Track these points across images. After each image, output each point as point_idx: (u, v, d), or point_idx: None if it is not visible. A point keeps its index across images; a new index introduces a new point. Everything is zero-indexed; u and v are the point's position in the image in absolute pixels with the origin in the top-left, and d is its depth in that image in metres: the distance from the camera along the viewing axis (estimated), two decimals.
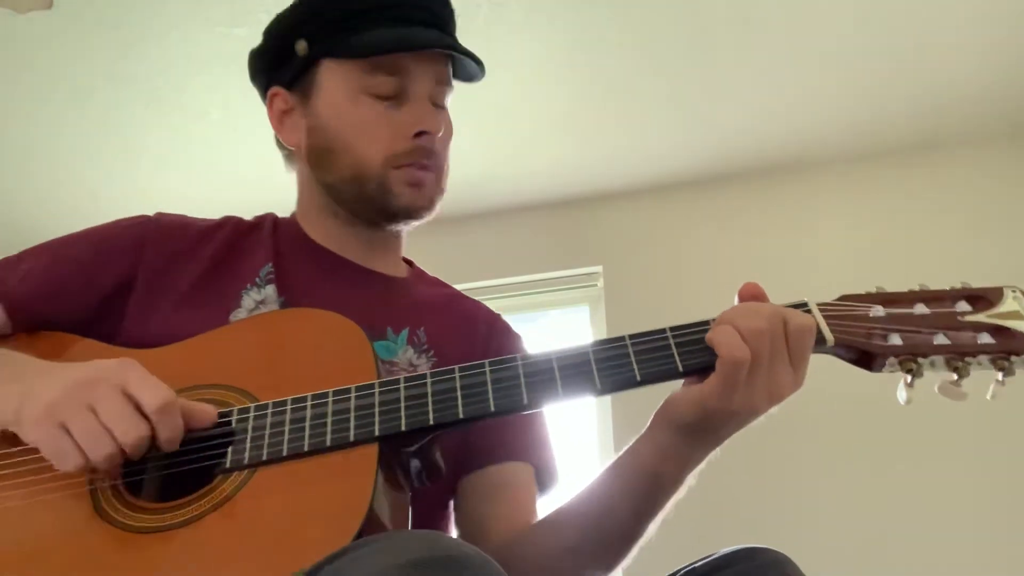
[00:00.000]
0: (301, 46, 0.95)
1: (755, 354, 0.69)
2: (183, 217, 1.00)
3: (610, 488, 0.81)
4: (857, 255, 2.60)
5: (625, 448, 0.81)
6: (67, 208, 2.84)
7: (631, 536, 0.82)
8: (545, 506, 0.95)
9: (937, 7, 2.10)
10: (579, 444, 2.64)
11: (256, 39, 1.02)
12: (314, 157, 0.97)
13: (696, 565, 0.75)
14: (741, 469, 2.31)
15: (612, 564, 0.84)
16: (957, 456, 2.31)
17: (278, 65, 0.99)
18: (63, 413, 0.70)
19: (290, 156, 1.04)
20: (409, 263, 1.09)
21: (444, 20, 0.97)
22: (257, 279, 0.94)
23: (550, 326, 3.02)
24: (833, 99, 2.45)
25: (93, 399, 0.70)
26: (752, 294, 0.76)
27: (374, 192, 0.93)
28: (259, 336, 0.85)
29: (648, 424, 0.78)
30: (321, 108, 0.95)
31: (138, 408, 0.71)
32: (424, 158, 0.93)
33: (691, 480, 0.79)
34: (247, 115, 2.42)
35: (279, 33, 0.99)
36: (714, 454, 0.77)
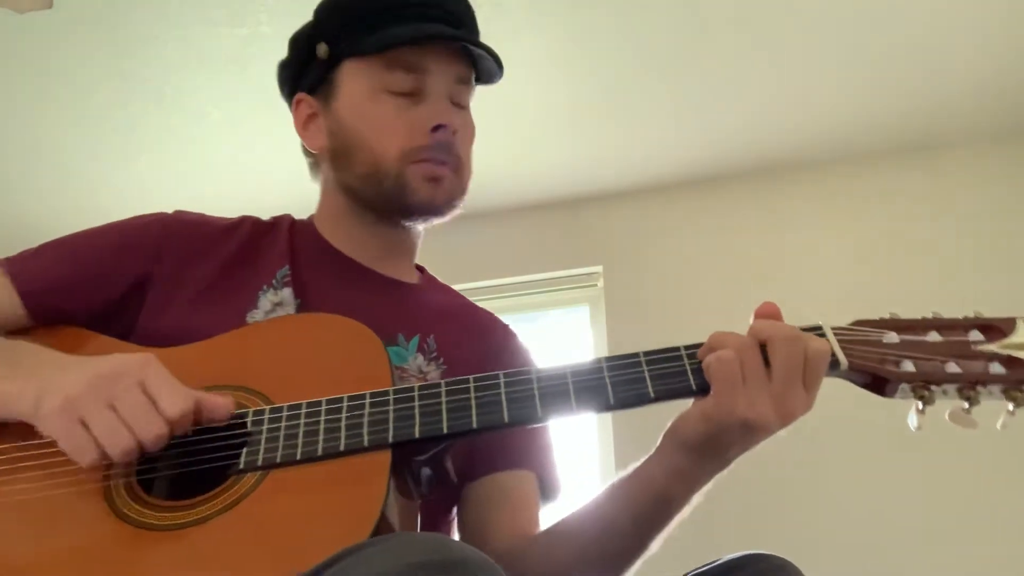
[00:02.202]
0: (322, 49, 0.97)
1: (751, 376, 0.71)
2: (202, 215, 1.01)
3: (617, 505, 0.81)
4: (857, 255, 2.60)
5: (633, 465, 0.81)
6: (68, 207, 2.84)
7: (634, 551, 0.82)
8: (547, 516, 0.95)
9: (936, 7, 2.10)
10: (581, 456, 2.62)
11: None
12: (334, 158, 0.98)
13: (701, 571, 0.76)
14: (746, 475, 2.30)
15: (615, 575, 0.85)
16: (961, 462, 2.30)
17: (302, 72, 1.00)
18: (82, 407, 0.71)
19: (315, 163, 1.04)
20: (421, 269, 1.10)
21: (462, 19, 0.97)
22: (274, 280, 0.95)
23: (550, 326, 3.02)
24: (832, 99, 2.45)
25: (113, 395, 0.71)
26: (768, 313, 0.77)
27: (391, 188, 0.93)
28: (276, 339, 0.86)
29: (658, 444, 0.78)
30: (341, 108, 0.96)
31: (156, 406, 0.71)
32: (441, 153, 0.93)
33: (697, 499, 0.79)
34: (247, 115, 2.42)
35: (301, 39, 1.00)
36: (721, 475, 0.77)
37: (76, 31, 2.13)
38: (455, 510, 0.97)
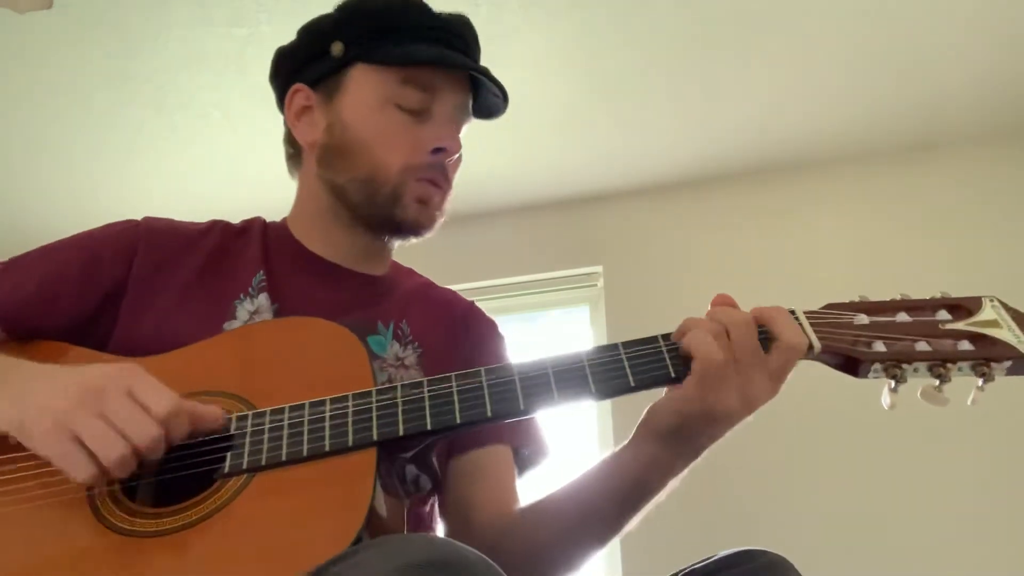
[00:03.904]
0: (337, 47, 0.96)
1: (730, 356, 0.73)
2: (171, 221, 1.01)
3: (595, 489, 0.84)
4: (857, 255, 2.60)
5: (611, 452, 0.84)
6: (69, 207, 2.84)
7: (611, 531, 0.85)
8: (533, 481, 0.99)
9: (936, 7, 2.10)
10: (580, 442, 2.64)
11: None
12: (328, 156, 0.98)
13: (695, 567, 0.77)
14: (739, 471, 2.31)
15: (594, 550, 0.88)
16: (955, 453, 2.31)
17: (307, 63, 1.00)
18: (73, 422, 0.69)
19: (294, 158, 1.05)
20: None
21: (474, 51, 1.01)
22: (250, 289, 0.94)
23: (550, 326, 3.02)
24: (833, 99, 2.45)
25: (102, 406, 0.70)
26: (723, 303, 0.79)
27: (385, 198, 0.94)
28: (254, 344, 0.86)
29: (633, 433, 0.81)
30: (346, 109, 0.96)
31: (147, 412, 0.71)
32: (439, 175, 0.96)
33: (674, 484, 0.82)
34: (247, 115, 2.42)
35: (314, 33, 1.00)
36: (696, 463, 0.80)
37: (76, 31, 2.13)
38: (433, 500, 0.99)
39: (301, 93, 1.00)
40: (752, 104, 2.48)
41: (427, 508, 0.98)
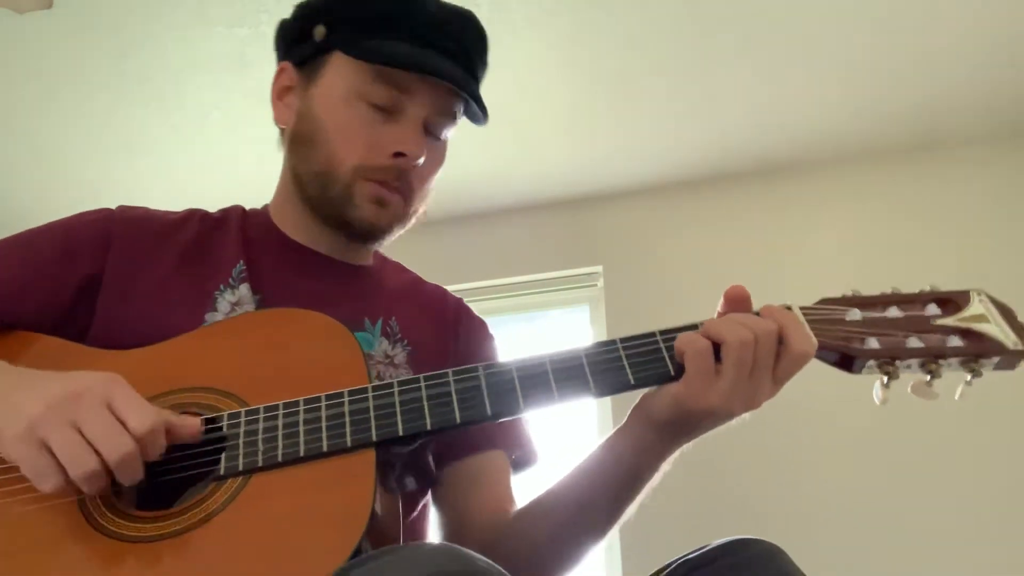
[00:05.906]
0: (320, 31, 0.93)
1: (739, 362, 0.72)
2: (147, 210, 0.98)
3: (590, 478, 0.84)
4: (857, 255, 2.60)
5: (603, 440, 0.83)
6: (69, 207, 2.83)
7: (610, 520, 0.85)
8: (526, 485, 0.98)
9: (936, 7, 2.10)
10: (580, 441, 2.64)
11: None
12: (294, 142, 0.96)
13: (690, 556, 0.76)
14: (735, 463, 2.31)
15: (592, 544, 0.87)
16: (954, 446, 2.31)
17: (296, 42, 0.97)
18: (44, 430, 0.66)
19: (282, 136, 1.02)
20: None
21: (469, 56, 0.94)
22: (231, 279, 0.92)
23: (550, 326, 3.02)
24: (833, 99, 2.45)
25: (76, 415, 0.67)
26: (736, 297, 0.79)
27: (337, 196, 0.91)
28: (243, 338, 0.83)
29: (625, 419, 0.81)
30: (317, 96, 0.94)
31: (124, 426, 0.67)
32: (395, 179, 0.91)
33: (666, 467, 0.82)
34: (247, 115, 2.43)
35: (305, 12, 0.98)
36: (688, 446, 0.81)
37: (76, 32, 2.13)
38: (425, 497, 0.98)
39: (286, 73, 0.98)
40: (752, 104, 2.48)
41: (416, 510, 0.97)
